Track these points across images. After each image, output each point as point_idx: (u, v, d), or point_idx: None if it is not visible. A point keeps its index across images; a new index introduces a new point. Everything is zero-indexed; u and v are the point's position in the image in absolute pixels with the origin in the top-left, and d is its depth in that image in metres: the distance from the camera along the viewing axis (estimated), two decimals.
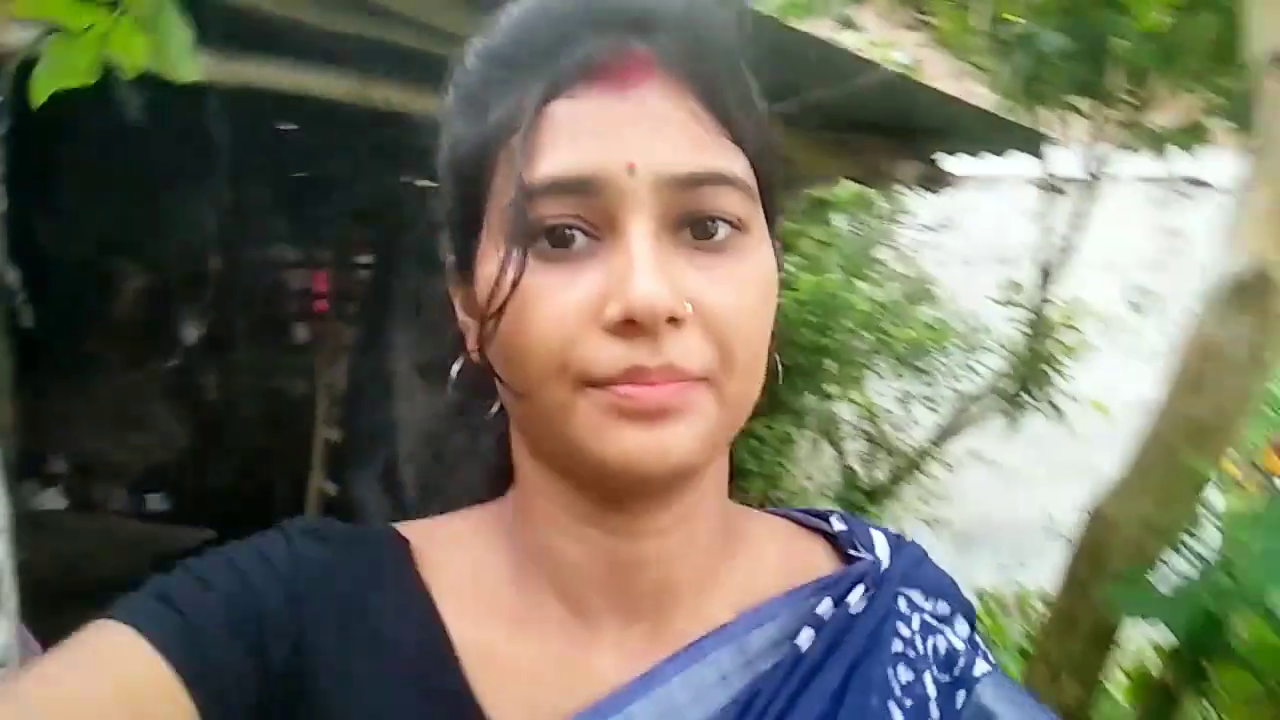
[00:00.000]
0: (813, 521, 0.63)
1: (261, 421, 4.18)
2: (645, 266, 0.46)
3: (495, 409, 0.56)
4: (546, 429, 0.49)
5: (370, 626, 0.51)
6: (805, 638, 0.53)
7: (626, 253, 0.46)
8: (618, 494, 0.51)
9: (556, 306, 0.47)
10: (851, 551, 0.60)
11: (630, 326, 0.46)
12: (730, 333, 0.48)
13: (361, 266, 4.06)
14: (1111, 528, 1.55)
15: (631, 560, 0.53)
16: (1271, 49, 1.54)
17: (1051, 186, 3.24)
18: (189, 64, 0.96)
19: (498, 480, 0.59)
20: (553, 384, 0.47)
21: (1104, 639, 1.62)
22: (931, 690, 0.56)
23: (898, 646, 0.56)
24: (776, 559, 0.59)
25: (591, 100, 0.47)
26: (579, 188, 0.46)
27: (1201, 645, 1.33)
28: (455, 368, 0.56)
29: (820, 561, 0.60)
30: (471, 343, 0.53)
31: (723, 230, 0.48)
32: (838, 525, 0.62)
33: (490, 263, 0.48)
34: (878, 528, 0.62)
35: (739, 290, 0.48)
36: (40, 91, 0.95)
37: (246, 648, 0.49)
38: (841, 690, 0.52)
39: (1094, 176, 3.31)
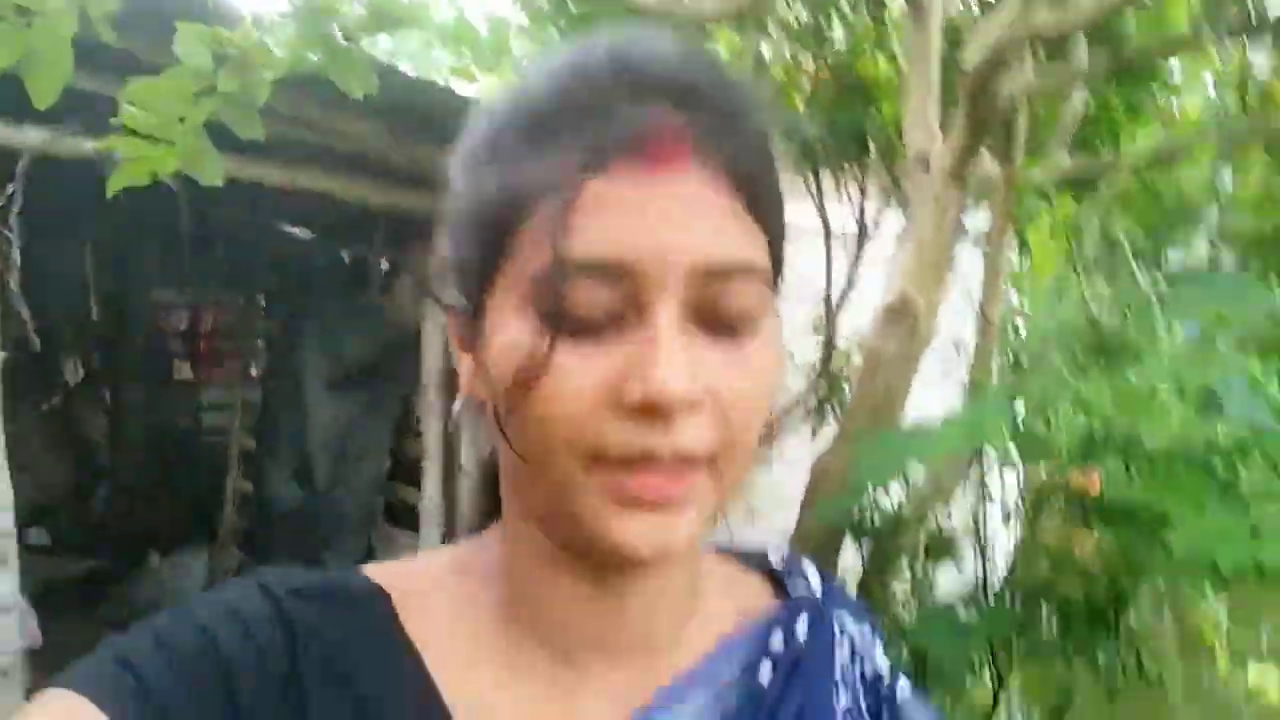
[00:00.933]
0: (751, 554, 0.65)
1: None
2: (671, 356, 0.46)
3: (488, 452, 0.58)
4: (549, 499, 0.50)
5: (360, 688, 0.50)
6: (764, 672, 0.56)
7: (652, 339, 0.46)
8: (609, 565, 0.52)
9: (576, 385, 0.46)
10: (789, 581, 0.63)
11: (649, 411, 0.46)
12: (738, 419, 0.48)
13: (266, 307, 4.58)
14: (823, 476, 2.29)
15: (618, 613, 0.54)
16: (914, 151, 2.33)
17: (830, 235, 4.06)
18: (216, 173, 1.56)
19: (479, 512, 0.61)
20: (563, 459, 0.47)
21: (830, 550, 2.34)
22: (864, 711, 0.60)
23: (836, 673, 0.60)
24: (730, 597, 0.61)
25: (629, 179, 0.46)
26: (613, 271, 0.46)
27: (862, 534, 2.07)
28: (457, 405, 0.56)
29: (765, 595, 0.63)
30: (468, 384, 0.54)
31: (741, 317, 0.49)
32: (775, 558, 0.65)
33: (509, 328, 0.48)
34: (803, 556, 0.66)
35: (752, 378, 0.49)
36: (112, 188, 1.52)
37: (215, 716, 0.47)
38: (799, 717, 0.55)
39: (862, 227, 4.15)
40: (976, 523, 2.12)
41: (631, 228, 0.46)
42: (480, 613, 0.55)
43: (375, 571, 0.56)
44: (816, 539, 2.30)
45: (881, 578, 2.19)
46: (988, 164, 2.37)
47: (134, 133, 1.44)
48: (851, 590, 2.20)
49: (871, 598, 2.21)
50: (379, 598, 0.54)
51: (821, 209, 4.16)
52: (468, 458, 2.75)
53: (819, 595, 0.63)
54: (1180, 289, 1.66)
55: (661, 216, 0.46)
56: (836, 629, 0.61)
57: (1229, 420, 1.46)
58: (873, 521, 2.06)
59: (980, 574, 2.04)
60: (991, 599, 1.97)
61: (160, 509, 4.31)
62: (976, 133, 2.07)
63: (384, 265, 3.34)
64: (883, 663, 0.63)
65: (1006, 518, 2.05)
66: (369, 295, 3.17)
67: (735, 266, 0.47)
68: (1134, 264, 1.69)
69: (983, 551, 2.03)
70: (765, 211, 0.50)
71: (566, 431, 0.47)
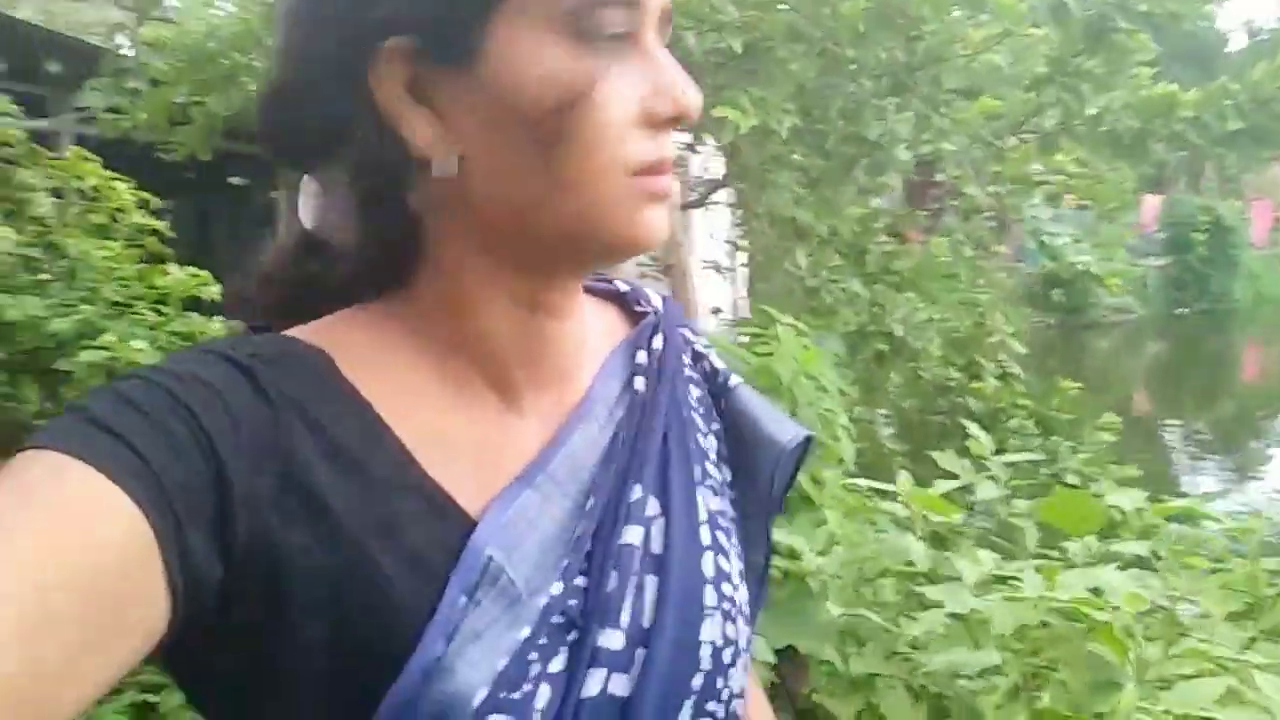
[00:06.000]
0: (601, 287, 0.74)
1: None
2: (685, 78, 0.56)
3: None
4: (580, 212, 0.55)
5: (332, 436, 0.53)
6: (639, 382, 0.66)
7: (662, 64, 0.56)
8: (571, 276, 0.62)
9: (620, 106, 0.54)
10: (637, 307, 0.73)
11: (667, 124, 0.56)
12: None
13: None
14: None
15: (551, 336, 0.62)
16: None
17: None
18: None
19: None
20: (610, 172, 0.55)
21: None
22: (708, 399, 0.73)
23: (686, 371, 0.72)
24: (599, 325, 0.70)
25: None
26: (629, 3, 0.55)
27: None
28: (440, 168, 0.55)
29: (621, 319, 0.73)
30: (433, 137, 0.55)
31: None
32: (623, 287, 0.74)
33: (539, 60, 0.53)
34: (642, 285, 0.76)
35: None
36: None
37: (206, 482, 0.48)
38: (668, 412, 0.66)
39: None
40: None
41: None
42: (414, 359, 0.59)
43: (303, 333, 0.58)
44: None
45: None
46: None
47: None
48: None
49: None
50: (319, 354, 0.56)
51: None
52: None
53: (663, 313, 0.73)
54: None
55: None
56: (681, 339, 0.73)
57: None
58: None
59: None
60: None
61: None
62: None
63: None
64: (719, 362, 0.75)
65: None
66: None
67: (671, 13, 0.60)
68: None
69: None
70: None
71: (615, 148, 0.54)
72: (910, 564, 1.80)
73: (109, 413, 0.47)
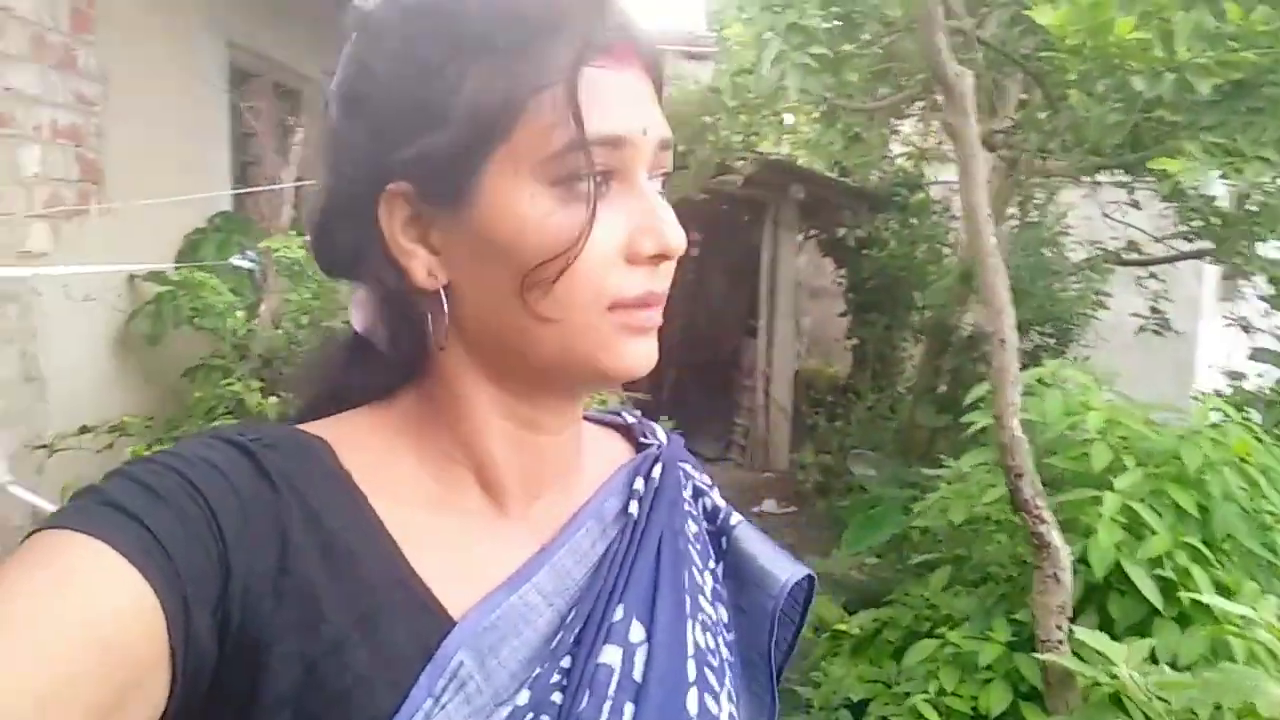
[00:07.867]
0: (609, 418, 0.78)
1: None
2: (669, 214, 0.58)
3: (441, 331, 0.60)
4: (564, 346, 0.58)
5: (327, 525, 0.54)
6: (634, 507, 0.67)
7: (648, 200, 0.58)
8: (562, 398, 0.64)
9: (603, 247, 0.56)
10: (642, 439, 0.75)
11: (654, 260, 0.58)
12: (674, 265, 0.61)
13: None
14: None
15: (544, 449, 0.64)
16: None
17: None
18: None
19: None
20: (590, 309, 0.57)
21: None
22: (706, 537, 0.73)
23: (685, 506, 0.72)
24: (599, 450, 0.72)
25: (607, 72, 0.56)
26: (616, 143, 0.56)
27: None
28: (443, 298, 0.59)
29: (624, 448, 0.75)
30: (430, 273, 0.59)
31: (665, 177, 0.62)
32: (630, 419, 0.77)
33: (532, 205, 0.55)
34: (652, 419, 0.79)
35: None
36: None
37: (213, 564, 0.49)
38: (662, 541, 0.66)
39: None
40: None
41: (622, 109, 0.57)
42: (412, 454, 0.62)
43: (308, 426, 0.61)
44: None
45: None
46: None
47: None
48: None
49: None
50: (320, 443, 0.59)
51: None
52: None
53: (666, 447, 0.75)
54: None
55: (636, 101, 0.58)
56: (681, 474, 0.74)
57: None
58: None
59: None
60: None
61: None
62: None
63: None
64: (720, 500, 0.76)
65: None
66: None
67: (671, 141, 0.61)
68: None
69: None
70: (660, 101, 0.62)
71: (596, 286, 0.57)
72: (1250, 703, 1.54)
73: (123, 494, 0.49)
